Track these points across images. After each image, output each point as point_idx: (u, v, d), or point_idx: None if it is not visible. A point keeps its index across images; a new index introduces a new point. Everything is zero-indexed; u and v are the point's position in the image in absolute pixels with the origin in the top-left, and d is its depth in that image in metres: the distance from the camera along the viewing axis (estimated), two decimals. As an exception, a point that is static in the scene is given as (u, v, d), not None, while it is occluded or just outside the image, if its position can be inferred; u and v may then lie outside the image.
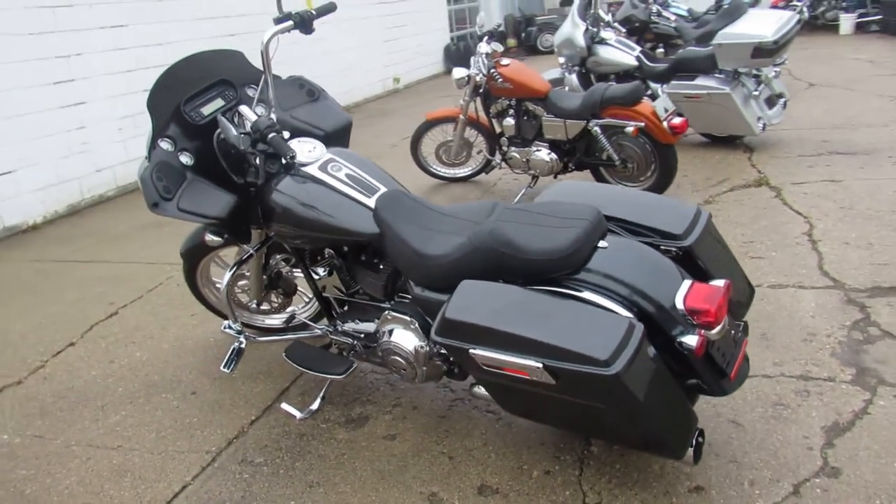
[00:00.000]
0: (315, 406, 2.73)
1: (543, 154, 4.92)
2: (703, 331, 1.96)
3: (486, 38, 5.14)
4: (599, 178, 4.97)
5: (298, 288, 3.29)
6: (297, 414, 2.69)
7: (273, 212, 2.53)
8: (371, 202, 2.49)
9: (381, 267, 2.59)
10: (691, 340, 1.93)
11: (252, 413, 2.86)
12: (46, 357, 3.50)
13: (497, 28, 5.33)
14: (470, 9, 15.57)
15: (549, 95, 4.87)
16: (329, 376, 2.65)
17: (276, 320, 3.36)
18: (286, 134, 2.58)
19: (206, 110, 2.65)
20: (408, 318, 2.48)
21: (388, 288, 2.62)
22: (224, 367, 2.78)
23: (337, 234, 2.48)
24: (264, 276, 3.11)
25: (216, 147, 2.61)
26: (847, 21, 12.44)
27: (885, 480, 2.11)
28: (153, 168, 2.51)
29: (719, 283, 2.07)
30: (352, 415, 2.77)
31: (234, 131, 2.38)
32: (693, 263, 2.18)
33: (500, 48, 5.03)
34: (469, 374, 2.35)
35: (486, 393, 2.38)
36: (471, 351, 2.02)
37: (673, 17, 8.32)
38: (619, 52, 6.32)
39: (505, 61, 4.99)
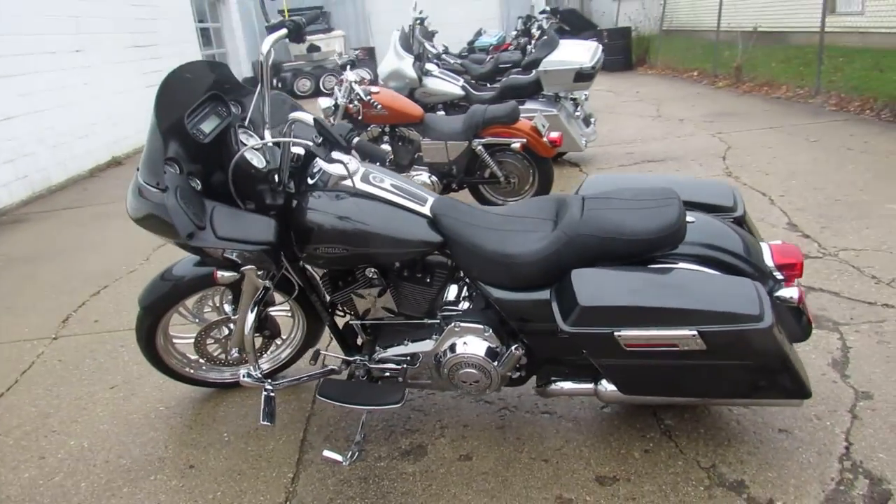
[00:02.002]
0: (357, 446, 2.47)
1: (424, 177, 4.98)
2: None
3: (348, 66, 5.09)
4: (479, 196, 5.17)
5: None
6: (342, 459, 2.42)
7: (315, 232, 2.27)
8: (426, 210, 2.37)
9: (429, 280, 2.46)
10: (791, 292, 2.15)
11: (286, 471, 2.48)
12: (-63, 472, 2.66)
13: (356, 57, 5.29)
14: (218, 55, 15.05)
15: (424, 120, 4.97)
16: (385, 407, 2.43)
17: (263, 365, 2.96)
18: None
19: (206, 127, 2.31)
20: (480, 327, 2.38)
21: (434, 302, 2.50)
22: (263, 420, 2.38)
23: (399, 247, 2.31)
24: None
25: (231, 168, 2.28)
26: (571, 60, 14.38)
27: (904, 392, 2.54)
28: (176, 193, 2.12)
29: (777, 242, 2.35)
30: (402, 447, 2.55)
31: (311, 143, 2.11)
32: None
33: (367, 75, 5.01)
34: (587, 362, 2.28)
35: (564, 388, 2.38)
36: (616, 333, 2.03)
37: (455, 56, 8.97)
38: (446, 82, 6.64)
39: (375, 88, 4.99)
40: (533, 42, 9.48)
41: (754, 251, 2.24)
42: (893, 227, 4.10)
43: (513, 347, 2.34)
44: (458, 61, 8.74)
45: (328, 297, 2.59)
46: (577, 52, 6.11)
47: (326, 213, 2.28)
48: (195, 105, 2.31)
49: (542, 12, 10.47)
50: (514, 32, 12.60)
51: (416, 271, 2.45)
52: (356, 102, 4.91)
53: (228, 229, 2.20)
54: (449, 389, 2.50)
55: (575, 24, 15.31)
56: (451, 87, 6.63)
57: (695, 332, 1.97)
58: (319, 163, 2.33)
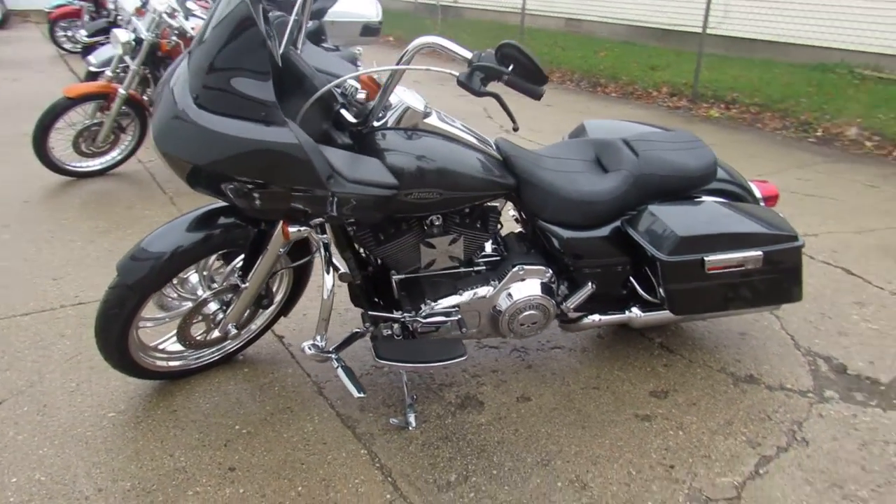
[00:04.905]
0: (412, 409, 2.34)
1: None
2: (768, 211, 2.71)
3: (146, -6, 4.30)
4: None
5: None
6: (406, 424, 2.29)
7: (409, 176, 2.05)
8: (495, 153, 2.30)
9: (481, 225, 2.38)
10: (778, 218, 2.65)
11: (354, 449, 2.20)
12: None
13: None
14: None
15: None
16: (453, 362, 2.31)
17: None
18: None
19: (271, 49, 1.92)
20: (543, 268, 2.42)
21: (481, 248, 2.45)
22: (359, 393, 2.08)
23: (486, 189, 2.23)
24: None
25: (313, 101, 1.93)
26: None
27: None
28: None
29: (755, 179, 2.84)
30: (452, 401, 2.46)
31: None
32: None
33: (177, 7, 4.29)
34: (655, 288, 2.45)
35: (597, 320, 2.54)
36: (706, 258, 2.28)
37: None
38: (198, 22, 5.96)
39: (190, 23, 4.31)
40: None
41: (749, 186, 2.68)
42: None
43: (588, 283, 2.43)
44: None
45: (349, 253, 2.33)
46: (363, 5, 6.04)
47: (421, 156, 2.07)
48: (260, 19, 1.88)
49: None
50: None
51: (474, 217, 2.35)
52: (173, 38, 4.19)
53: (353, 171, 1.87)
54: (501, 336, 2.47)
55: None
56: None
57: (760, 253, 2.33)
58: (404, 97, 2.09)
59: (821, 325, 3.01)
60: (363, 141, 2.07)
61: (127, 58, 4.26)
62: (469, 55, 1.92)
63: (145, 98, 4.48)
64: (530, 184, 2.31)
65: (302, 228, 2.04)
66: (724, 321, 3.00)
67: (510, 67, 1.87)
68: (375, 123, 2.11)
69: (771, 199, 2.72)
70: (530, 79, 1.89)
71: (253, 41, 1.74)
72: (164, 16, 4.16)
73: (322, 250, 2.13)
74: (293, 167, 1.77)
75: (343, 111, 2.07)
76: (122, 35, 4.17)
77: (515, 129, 2.05)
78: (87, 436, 2.21)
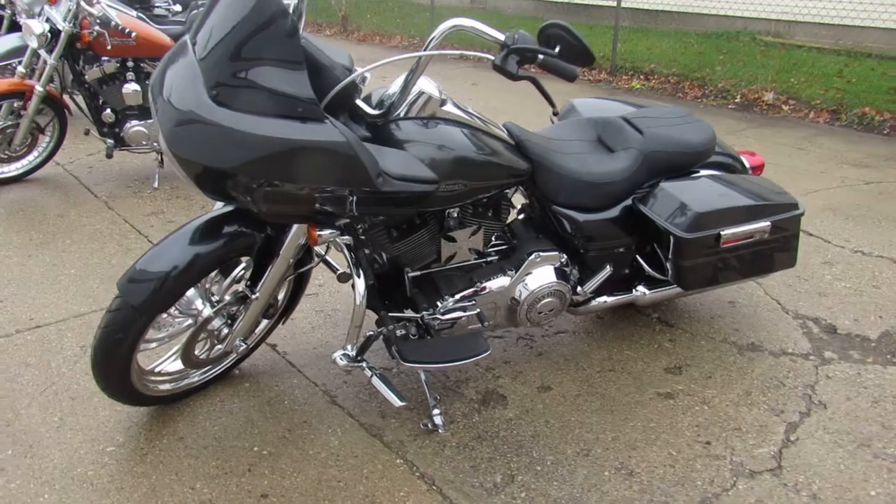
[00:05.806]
0: (437, 412, 2.24)
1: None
2: (756, 181, 2.77)
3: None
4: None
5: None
6: (436, 427, 2.19)
7: (441, 167, 1.92)
8: (508, 138, 2.21)
9: (493, 214, 2.29)
10: (769, 187, 2.70)
11: (389, 460, 2.09)
12: None
13: None
14: None
15: (181, 53, 4.14)
16: (478, 358, 2.22)
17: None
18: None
19: None
20: (557, 253, 2.36)
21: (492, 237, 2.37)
22: (400, 401, 1.96)
23: (506, 177, 2.15)
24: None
25: (336, 91, 1.79)
26: None
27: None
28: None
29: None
30: (473, 398, 2.38)
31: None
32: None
33: (96, -6, 3.90)
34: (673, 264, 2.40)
35: (606, 301, 2.51)
36: (723, 232, 2.29)
37: None
38: (121, 13, 5.50)
39: (112, 10, 3.94)
40: None
41: (740, 157, 2.72)
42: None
43: (606, 265, 2.39)
44: None
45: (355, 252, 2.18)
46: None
47: (445, 146, 1.95)
48: None
49: None
50: None
51: (488, 206, 2.26)
52: (96, 28, 3.81)
53: (395, 167, 1.73)
54: (515, 325, 2.41)
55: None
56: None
57: (769, 223, 2.37)
58: (419, 84, 1.96)
59: (800, 287, 3.12)
60: (381, 134, 1.93)
61: (42, 51, 3.85)
62: (502, 37, 1.81)
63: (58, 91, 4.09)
64: (544, 167, 2.24)
65: (328, 231, 1.89)
66: (713, 292, 3.05)
67: (556, 48, 1.78)
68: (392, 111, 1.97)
69: (758, 169, 2.78)
70: (576, 59, 1.80)
71: (283, 30, 1.57)
72: (83, 3, 3.77)
73: (347, 252, 1.98)
74: (340, 167, 1.62)
75: (360, 102, 1.92)
76: (35, 26, 3.74)
77: (555, 114, 1.96)
78: (89, 476, 1.98)
